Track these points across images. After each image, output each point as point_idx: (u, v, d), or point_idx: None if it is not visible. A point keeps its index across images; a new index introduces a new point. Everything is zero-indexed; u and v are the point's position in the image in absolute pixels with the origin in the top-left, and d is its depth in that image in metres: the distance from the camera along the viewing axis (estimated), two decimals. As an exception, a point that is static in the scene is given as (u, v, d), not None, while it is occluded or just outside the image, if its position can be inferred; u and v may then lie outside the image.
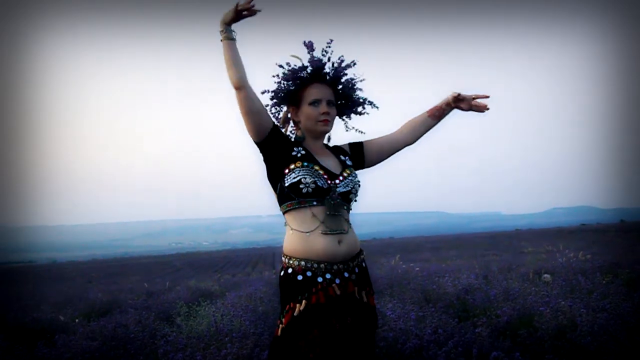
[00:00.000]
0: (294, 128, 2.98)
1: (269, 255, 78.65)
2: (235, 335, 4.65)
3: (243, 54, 2.72)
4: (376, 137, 2.99)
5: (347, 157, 2.92)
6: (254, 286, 14.39)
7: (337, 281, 2.63)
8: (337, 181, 2.74)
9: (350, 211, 2.84)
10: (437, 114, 2.87)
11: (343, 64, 2.90)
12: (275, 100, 2.95)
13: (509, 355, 3.67)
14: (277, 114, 2.99)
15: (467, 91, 2.94)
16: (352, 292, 2.66)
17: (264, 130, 2.74)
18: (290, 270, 2.68)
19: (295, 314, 2.59)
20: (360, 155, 2.94)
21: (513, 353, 3.75)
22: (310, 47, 2.86)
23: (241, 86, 2.67)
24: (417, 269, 12.48)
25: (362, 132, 3.03)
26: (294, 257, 2.68)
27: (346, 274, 2.66)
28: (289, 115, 2.99)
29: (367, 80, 2.99)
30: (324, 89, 2.86)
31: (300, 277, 2.64)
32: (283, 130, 2.99)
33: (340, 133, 3.04)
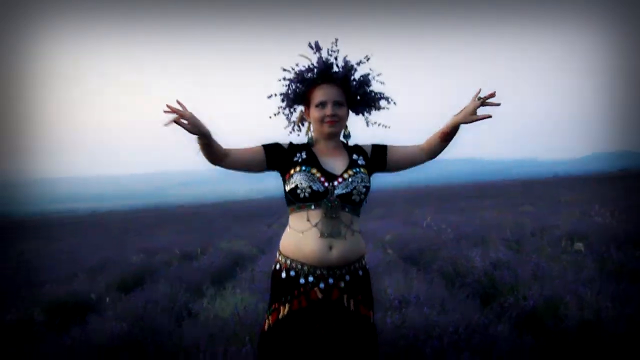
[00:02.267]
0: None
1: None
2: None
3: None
4: (402, 144, 2.94)
5: (360, 157, 2.87)
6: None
7: (322, 285, 2.69)
8: (336, 183, 2.73)
9: (359, 211, 2.80)
10: (445, 138, 2.82)
11: (352, 62, 2.87)
12: (285, 103, 2.96)
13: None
14: (289, 115, 2.99)
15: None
16: (337, 299, 2.68)
17: (261, 165, 2.87)
18: (278, 266, 2.80)
19: (279, 317, 2.69)
20: (382, 158, 2.90)
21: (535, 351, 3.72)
22: (316, 47, 2.85)
23: (216, 164, 2.82)
24: (449, 230, 12.41)
25: (386, 127, 3.01)
26: (283, 254, 2.78)
27: (331, 280, 2.70)
28: (304, 115, 2.98)
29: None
30: (330, 89, 2.84)
31: (284, 275, 2.74)
32: (301, 128, 3.01)
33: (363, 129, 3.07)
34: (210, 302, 5.87)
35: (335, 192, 2.72)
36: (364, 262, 2.83)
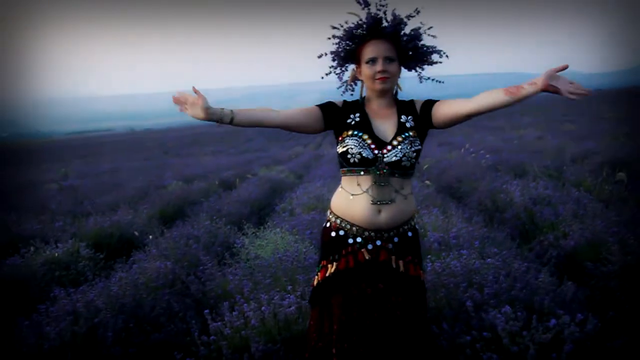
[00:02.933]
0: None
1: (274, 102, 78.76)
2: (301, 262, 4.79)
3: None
4: (452, 99, 2.81)
5: (410, 118, 2.79)
6: (322, 169, 14.59)
7: (370, 247, 2.73)
8: (385, 150, 2.71)
9: (412, 173, 2.78)
10: (514, 91, 2.49)
11: (401, 16, 2.76)
12: (336, 62, 2.91)
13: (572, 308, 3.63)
14: (341, 74, 2.94)
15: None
16: (385, 261, 2.72)
17: (318, 124, 2.83)
18: (328, 224, 2.85)
19: (327, 275, 2.76)
20: (428, 114, 2.78)
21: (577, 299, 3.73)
22: (364, 3, 2.76)
23: (271, 127, 2.85)
24: (488, 156, 12.25)
25: (440, 82, 2.92)
26: (334, 213, 2.83)
27: (379, 242, 2.73)
28: (356, 74, 2.93)
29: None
30: (380, 45, 2.76)
31: (333, 234, 2.80)
32: (354, 87, 2.98)
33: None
34: (250, 241, 5.93)
35: (385, 159, 2.69)
36: (413, 223, 2.82)
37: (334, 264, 2.77)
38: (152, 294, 4.78)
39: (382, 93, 2.81)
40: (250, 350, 3.46)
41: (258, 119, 2.78)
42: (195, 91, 2.68)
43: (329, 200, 8.14)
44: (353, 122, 2.79)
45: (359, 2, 2.75)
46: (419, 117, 2.79)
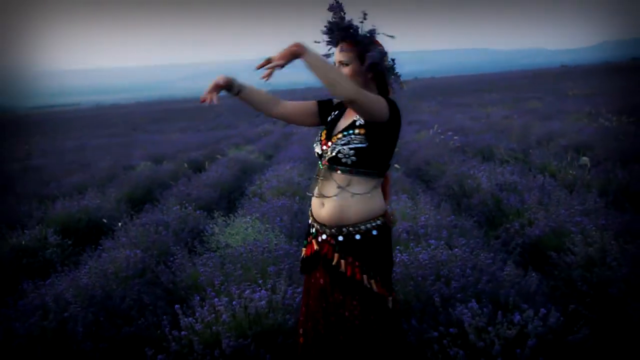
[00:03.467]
0: None
1: (316, 97, 78.62)
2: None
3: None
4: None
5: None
6: (292, 150, 14.58)
7: (319, 239, 2.86)
8: (326, 147, 2.82)
9: (365, 172, 2.76)
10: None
11: (344, 23, 2.80)
12: None
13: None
14: None
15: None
16: (328, 255, 2.81)
17: (314, 119, 3.01)
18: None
19: (301, 257, 3.02)
20: None
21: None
22: (331, 9, 2.81)
23: (267, 114, 3.02)
24: (456, 138, 12.39)
25: (404, 82, 2.99)
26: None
27: (324, 236, 2.83)
28: None
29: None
30: (337, 50, 2.84)
31: (309, 220, 2.98)
32: None
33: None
34: (220, 229, 5.94)
35: (326, 155, 2.80)
36: (367, 226, 2.78)
37: (304, 249, 2.99)
38: (122, 285, 4.77)
39: None
40: (222, 346, 3.48)
41: (261, 101, 2.95)
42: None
43: (298, 185, 8.17)
44: (329, 119, 2.96)
45: (330, 10, 2.81)
46: None
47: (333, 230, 2.79)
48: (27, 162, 17.69)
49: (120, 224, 6.72)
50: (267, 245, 4.87)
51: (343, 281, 2.76)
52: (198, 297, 3.99)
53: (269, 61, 2.61)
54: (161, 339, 3.93)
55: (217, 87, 2.82)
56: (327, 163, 2.79)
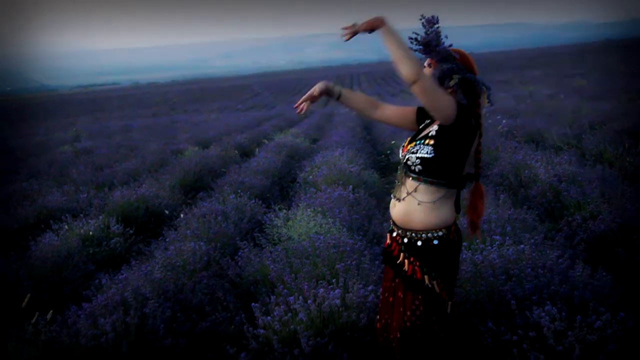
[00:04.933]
0: None
1: (346, 75, 78.69)
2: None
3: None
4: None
5: (435, 127, 2.86)
6: (337, 133, 14.57)
7: (394, 234, 3.02)
8: (403, 152, 2.95)
9: (432, 181, 2.82)
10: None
11: (429, 38, 2.87)
12: None
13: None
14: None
15: None
16: (392, 251, 2.99)
17: (412, 125, 3.12)
18: None
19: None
20: None
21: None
22: (427, 23, 2.88)
23: (369, 117, 3.22)
24: (504, 121, 12.27)
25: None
26: None
27: (394, 234, 3.00)
28: None
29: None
30: (425, 65, 2.95)
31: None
32: None
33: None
34: (281, 221, 6.02)
35: (402, 160, 2.95)
36: (429, 236, 2.86)
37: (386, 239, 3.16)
38: (191, 278, 4.89)
39: None
40: (301, 345, 3.57)
41: (361, 106, 3.15)
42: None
43: (351, 174, 8.18)
44: (420, 128, 3.07)
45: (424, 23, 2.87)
46: (444, 127, 2.81)
47: (400, 231, 2.95)
48: (77, 144, 18.03)
49: (182, 215, 6.85)
50: (333, 241, 4.92)
51: (406, 279, 2.90)
52: (274, 298, 4.06)
53: (354, 26, 2.75)
54: (237, 335, 4.06)
55: (312, 98, 3.06)
56: (403, 168, 2.93)
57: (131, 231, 7.02)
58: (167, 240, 5.95)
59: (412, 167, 2.83)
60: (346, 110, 20.43)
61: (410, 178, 2.86)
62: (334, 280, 4.15)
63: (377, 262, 4.68)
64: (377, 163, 11.38)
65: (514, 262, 4.11)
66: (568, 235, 5.39)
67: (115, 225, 6.96)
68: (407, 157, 2.87)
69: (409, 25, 3.01)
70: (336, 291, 3.91)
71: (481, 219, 3.12)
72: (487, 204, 5.85)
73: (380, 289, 3.26)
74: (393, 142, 11.87)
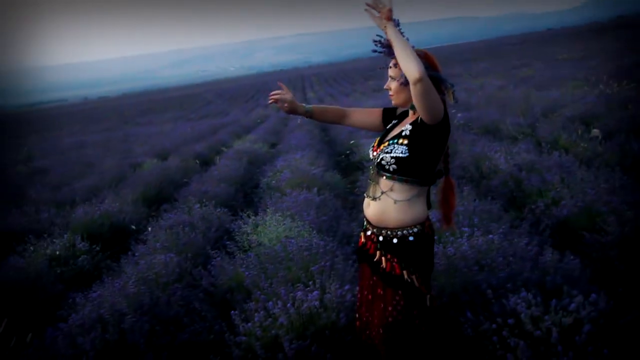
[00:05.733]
0: None
1: (297, 78, 78.64)
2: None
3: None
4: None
5: (410, 127, 2.89)
6: (296, 136, 14.60)
7: (368, 233, 3.07)
8: (376, 153, 3.00)
9: (405, 180, 2.88)
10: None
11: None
12: None
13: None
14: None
15: None
16: (368, 249, 3.05)
17: (379, 127, 3.22)
18: None
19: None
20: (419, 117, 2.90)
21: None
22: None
23: (340, 124, 3.40)
24: (459, 115, 12.46)
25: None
26: None
27: (368, 233, 3.07)
28: None
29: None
30: (390, 65, 3.01)
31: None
32: None
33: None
34: (250, 227, 6.02)
35: (375, 160, 3.00)
36: (404, 232, 2.92)
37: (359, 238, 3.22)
38: (164, 291, 4.86)
39: (399, 106, 3.09)
40: (283, 349, 3.59)
41: (333, 116, 3.31)
42: (281, 85, 3.28)
43: (314, 176, 8.22)
44: (387, 128, 3.15)
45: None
46: (418, 125, 2.86)
47: (375, 230, 3.00)
48: (30, 164, 17.70)
49: (149, 228, 6.80)
50: (305, 244, 4.95)
51: (385, 276, 2.95)
52: (252, 303, 4.08)
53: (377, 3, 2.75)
54: (218, 344, 4.05)
55: (281, 103, 3.21)
56: (375, 168, 2.97)
57: (97, 248, 6.93)
58: (137, 254, 5.90)
59: (387, 167, 2.88)
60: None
61: (384, 177, 2.91)
62: (310, 283, 4.18)
63: (350, 261, 4.72)
64: (338, 164, 11.45)
65: (485, 252, 4.20)
66: (533, 223, 5.52)
67: (81, 242, 6.87)
68: (380, 157, 2.91)
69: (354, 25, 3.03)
70: (314, 293, 3.94)
71: (454, 211, 3.20)
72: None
73: (357, 288, 3.33)
74: (352, 142, 11.96)
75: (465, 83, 27.05)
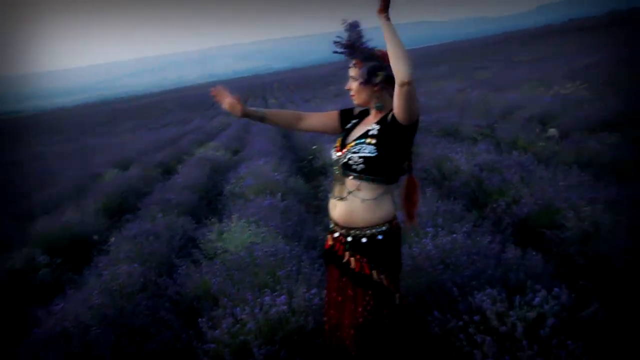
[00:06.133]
0: None
1: (258, 86, 78.50)
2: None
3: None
4: None
5: (377, 127, 2.93)
6: (259, 142, 14.57)
7: (335, 235, 3.07)
8: (341, 154, 3.01)
9: (373, 179, 2.92)
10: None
11: (347, 35, 2.98)
12: None
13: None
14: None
15: None
16: (337, 251, 3.05)
17: (336, 129, 3.22)
18: None
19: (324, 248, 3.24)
20: (394, 116, 2.88)
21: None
22: (349, 27, 2.98)
23: (295, 129, 3.43)
24: (421, 117, 12.55)
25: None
26: None
27: (336, 234, 3.07)
28: None
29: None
30: (352, 66, 3.03)
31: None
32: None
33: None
34: (215, 235, 5.99)
35: (341, 161, 3.00)
36: (373, 231, 2.95)
37: (325, 241, 3.21)
38: (129, 301, 4.81)
39: (360, 106, 3.09)
40: (253, 355, 3.59)
41: (286, 120, 3.28)
42: (238, 99, 3.16)
43: (278, 182, 8.21)
44: (346, 128, 3.15)
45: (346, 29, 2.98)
46: (387, 124, 2.91)
47: (343, 230, 3.01)
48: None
49: (112, 238, 6.71)
50: (271, 249, 4.95)
51: (354, 277, 2.97)
52: (220, 309, 4.06)
53: None
54: (186, 353, 4.02)
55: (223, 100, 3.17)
56: (341, 169, 2.98)
57: (58, 261, 6.81)
58: (100, 265, 5.81)
59: (354, 167, 2.90)
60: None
61: (350, 177, 2.93)
62: (277, 287, 4.18)
63: (316, 265, 4.73)
64: (301, 169, 11.45)
65: (449, 251, 4.27)
66: (495, 221, 5.61)
67: (41, 256, 6.75)
68: (348, 157, 2.92)
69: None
70: (282, 297, 3.95)
71: (417, 209, 3.23)
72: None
73: (325, 291, 3.33)
74: (314, 147, 11.99)
75: (424, 87, 27.32)
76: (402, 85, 2.61)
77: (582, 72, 18.50)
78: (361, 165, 2.88)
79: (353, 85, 3.01)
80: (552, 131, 8.85)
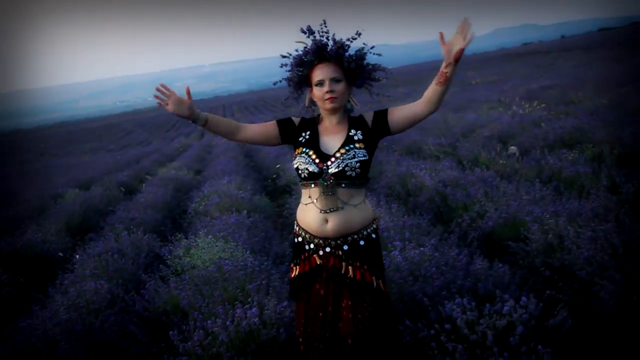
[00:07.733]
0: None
1: (218, 107, 78.34)
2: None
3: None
4: (402, 105, 3.08)
5: (359, 131, 3.00)
6: (221, 162, 14.54)
7: (321, 253, 3.02)
8: (329, 162, 2.94)
9: (361, 183, 2.99)
10: (443, 80, 2.83)
11: (343, 40, 2.98)
12: (292, 87, 3.14)
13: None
14: (298, 98, 3.17)
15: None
16: (335, 266, 3.00)
17: (276, 139, 3.15)
18: (294, 231, 3.17)
19: (293, 276, 3.18)
20: (384, 123, 3.01)
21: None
22: (308, 31, 2.99)
23: (231, 139, 3.19)
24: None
25: (388, 96, 3.29)
26: (296, 221, 3.15)
27: (327, 249, 3.01)
28: (311, 96, 3.13)
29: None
30: (326, 68, 2.99)
31: (296, 240, 3.14)
32: (314, 110, 3.18)
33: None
34: (183, 251, 5.97)
35: (330, 171, 2.92)
36: (367, 232, 3.02)
37: (297, 267, 3.13)
38: (98, 317, 4.75)
39: (333, 111, 3.03)
40: (225, 367, 3.58)
41: (226, 128, 3.14)
42: (188, 91, 3.05)
43: (242, 199, 8.21)
44: (303, 140, 3.06)
45: (303, 32, 2.99)
46: (370, 129, 3.00)
47: (338, 241, 2.98)
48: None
49: (77, 256, 6.62)
50: (241, 263, 4.95)
51: (353, 286, 2.96)
52: (191, 322, 4.04)
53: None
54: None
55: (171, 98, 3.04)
56: (332, 178, 2.91)
57: (21, 279, 6.70)
58: (65, 282, 5.73)
59: (349, 173, 2.89)
60: (225, 140, 20.41)
61: (343, 185, 2.92)
62: (248, 300, 4.19)
63: (286, 279, 4.74)
64: (265, 188, 11.46)
65: (418, 263, 4.33)
66: (460, 235, 5.70)
67: (3, 275, 6.61)
68: (345, 163, 2.89)
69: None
70: (253, 310, 3.96)
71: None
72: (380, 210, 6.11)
73: (295, 305, 3.29)
74: (278, 166, 12.03)
75: (386, 106, 27.59)
76: (433, 111, 2.93)
77: (538, 93, 18.99)
78: (357, 170, 2.91)
79: (339, 87, 2.97)
80: (513, 149, 9.04)
